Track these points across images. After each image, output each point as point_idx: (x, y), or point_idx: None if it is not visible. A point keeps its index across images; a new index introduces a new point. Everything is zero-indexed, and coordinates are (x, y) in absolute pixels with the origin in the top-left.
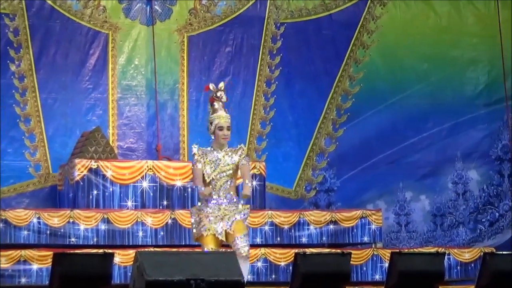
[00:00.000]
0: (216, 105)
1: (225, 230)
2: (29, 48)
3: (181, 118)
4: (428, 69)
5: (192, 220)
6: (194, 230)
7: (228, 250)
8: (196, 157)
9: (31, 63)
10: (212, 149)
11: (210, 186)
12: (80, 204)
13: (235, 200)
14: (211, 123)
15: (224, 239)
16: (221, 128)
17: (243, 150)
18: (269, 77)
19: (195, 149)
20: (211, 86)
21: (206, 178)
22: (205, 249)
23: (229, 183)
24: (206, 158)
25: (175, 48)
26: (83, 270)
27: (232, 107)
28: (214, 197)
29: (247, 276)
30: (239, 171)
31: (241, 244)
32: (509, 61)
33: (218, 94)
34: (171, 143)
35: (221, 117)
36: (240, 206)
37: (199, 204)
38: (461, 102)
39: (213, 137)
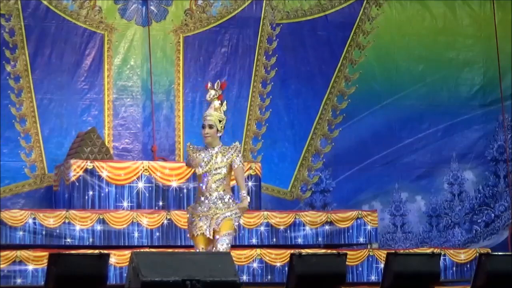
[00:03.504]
0: (211, 103)
1: (214, 229)
2: (24, 49)
3: (176, 119)
4: (424, 70)
5: (188, 219)
6: (189, 230)
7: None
8: (190, 153)
9: (27, 63)
10: (205, 147)
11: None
12: (75, 205)
13: (227, 198)
14: None
15: (212, 237)
16: (203, 126)
17: (237, 148)
18: (265, 77)
19: (189, 147)
20: (209, 85)
21: (196, 172)
22: (196, 249)
23: (221, 181)
24: (199, 155)
25: (170, 49)
26: (78, 271)
27: (228, 107)
28: (207, 195)
29: None
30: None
31: (220, 243)
32: (504, 62)
33: (210, 92)
34: (166, 143)
35: (204, 115)
36: (232, 205)
37: (194, 203)
38: (457, 103)
39: None
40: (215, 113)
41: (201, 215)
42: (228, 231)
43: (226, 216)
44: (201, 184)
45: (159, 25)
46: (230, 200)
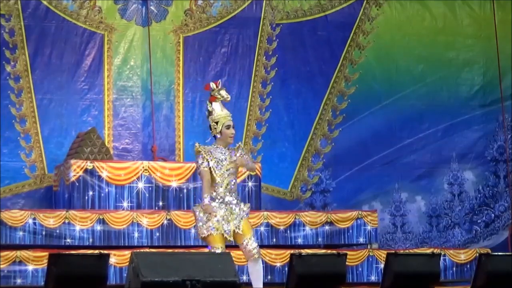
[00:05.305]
0: (219, 103)
1: (233, 230)
2: (24, 49)
3: (176, 119)
4: (424, 70)
5: (198, 218)
6: (202, 229)
7: (227, 251)
8: (203, 154)
9: (27, 63)
10: (216, 147)
11: (214, 193)
12: (75, 205)
13: (238, 198)
14: (216, 123)
15: (232, 238)
16: (228, 127)
17: (242, 148)
18: (265, 78)
19: (200, 147)
20: (212, 84)
21: (214, 175)
22: (214, 249)
23: (233, 181)
24: (213, 156)
25: (170, 49)
26: (78, 271)
27: (227, 108)
28: (221, 195)
29: (261, 278)
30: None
31: (252, 246)
32: (504, 62)
33: (222, 92)
34: (166, 144)
35: (227, 115)
36: (242, 205)
37: (202, 202)
38: (457, 103)
39: (219, 136)
40: (229, 112)
41: (217, 215)
42: (253, 232)
43: (243, 217)
44: (214, 184)
45: (159, 25)
46: (240, 200)
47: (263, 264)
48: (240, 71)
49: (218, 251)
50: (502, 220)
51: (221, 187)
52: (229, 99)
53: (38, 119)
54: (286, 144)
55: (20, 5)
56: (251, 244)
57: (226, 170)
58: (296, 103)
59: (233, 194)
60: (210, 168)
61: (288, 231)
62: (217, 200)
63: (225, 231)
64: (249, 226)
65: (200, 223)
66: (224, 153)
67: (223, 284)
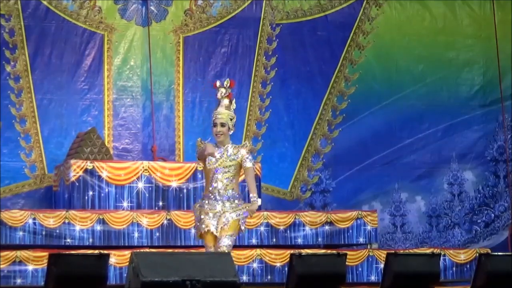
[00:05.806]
0: (221, 101)
1: (221, 227)
2: (24, 49)
3: (176, 119)
4: (424, 70)
5: (195, 217)
6: (197, 227)
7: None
8: (201, 145)
9: (27, 63)
10: (215, 144)
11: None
12: (75, 205)
13: (236, 197)
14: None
15: (219, 234)
16: (214, 125)
17: (247, 147)
18: (265, 78)
19: (201, 142)
20: (218, 83)
21: (207, 165)
22: (207, 248)
23: (230, 179)
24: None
25: (170, 49)
26: (78, 271)
27: None
28: (215, 193)
29: None
30: (241, 170)
31: (222, 244)
32: (504, 62)
33: (220, 90)
34: (166, 144)
35: (216, 113)
36: (240, 204)
37: (201, 200)
38: (457, 103)
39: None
40: (226, 111)
41: (209, 212)
42: (232, 232)
43: (233, 217)
44: (211, 182)
45: (159, 25)
46: (237, 201)
47: (262, 264)
48: (240, 71)
49: (211, 250)
50: (502, 220)
51: (216, 184)
52: (220, 97)
53: (38, 119)
54: (286, 144)
55: (20, 5)
56: (222, 241)
57: (223, 167)
58: (296, 103)
59: (229, 191)
60: (204, 160)
61: (288, 231)
62: (211, 197)
63: (212, 225)
64: (233, 227)
65: (196, 222)
66: (222, 150)
67: (223, 284)
